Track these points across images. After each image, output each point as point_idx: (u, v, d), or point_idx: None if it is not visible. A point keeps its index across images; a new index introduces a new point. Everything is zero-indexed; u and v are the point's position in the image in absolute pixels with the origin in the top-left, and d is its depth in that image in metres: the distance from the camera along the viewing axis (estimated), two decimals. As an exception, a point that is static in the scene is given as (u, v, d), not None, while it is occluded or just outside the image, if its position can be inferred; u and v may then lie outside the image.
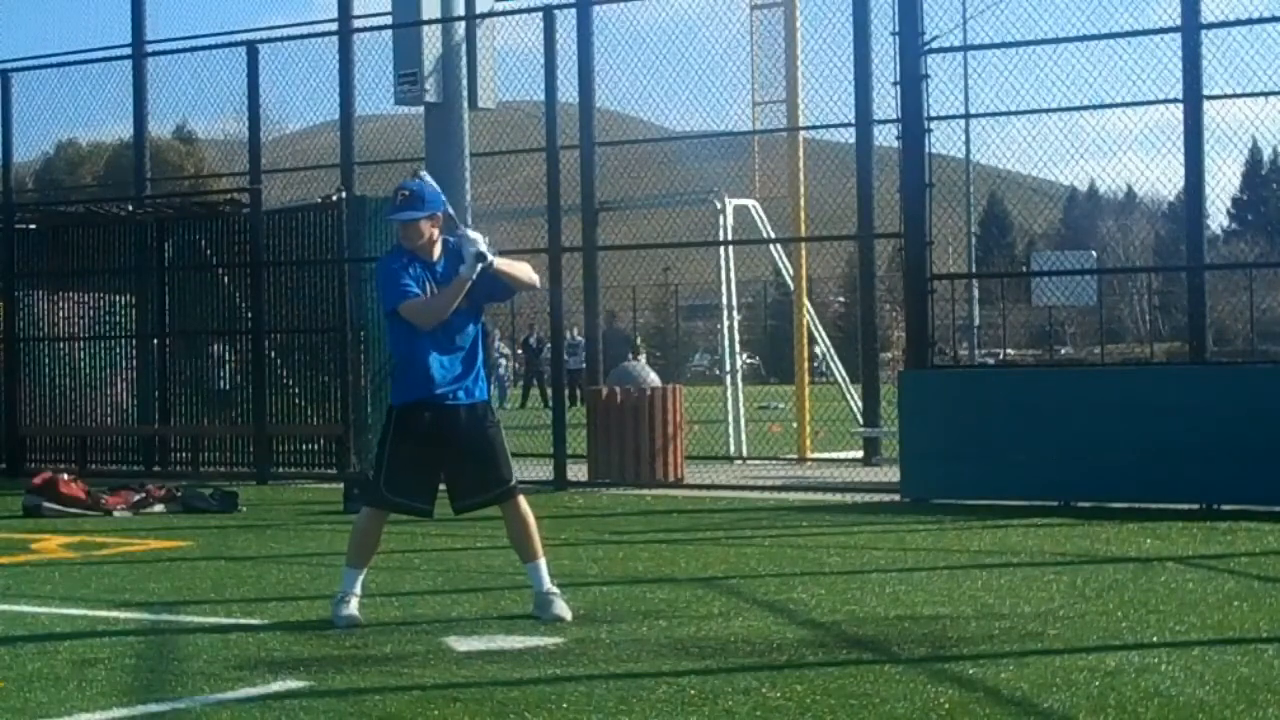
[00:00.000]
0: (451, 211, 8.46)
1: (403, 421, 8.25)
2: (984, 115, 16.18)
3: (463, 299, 8.17)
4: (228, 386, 18.88)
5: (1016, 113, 15.70)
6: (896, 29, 14.82)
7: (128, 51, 20.35)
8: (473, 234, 8.25)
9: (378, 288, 8.42)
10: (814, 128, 19.83)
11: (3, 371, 19.88)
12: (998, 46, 15.02)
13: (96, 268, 19.82)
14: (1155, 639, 7.44)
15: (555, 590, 8.26)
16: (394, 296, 8.17)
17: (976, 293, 24.16)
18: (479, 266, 8.11)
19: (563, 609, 8.14)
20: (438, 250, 8.27)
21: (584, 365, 18.87)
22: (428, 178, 8.43)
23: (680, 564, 10.39)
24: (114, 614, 8.75)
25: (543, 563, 8.29)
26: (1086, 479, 13.34)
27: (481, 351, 8.48)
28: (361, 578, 8.29)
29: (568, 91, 16.84)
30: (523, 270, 8.50)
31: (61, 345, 20.00)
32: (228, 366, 19.00)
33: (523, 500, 8.37)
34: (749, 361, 42.73)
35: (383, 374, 17.93)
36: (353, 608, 8.17)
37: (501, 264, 8.26)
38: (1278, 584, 9.49)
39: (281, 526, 13.32)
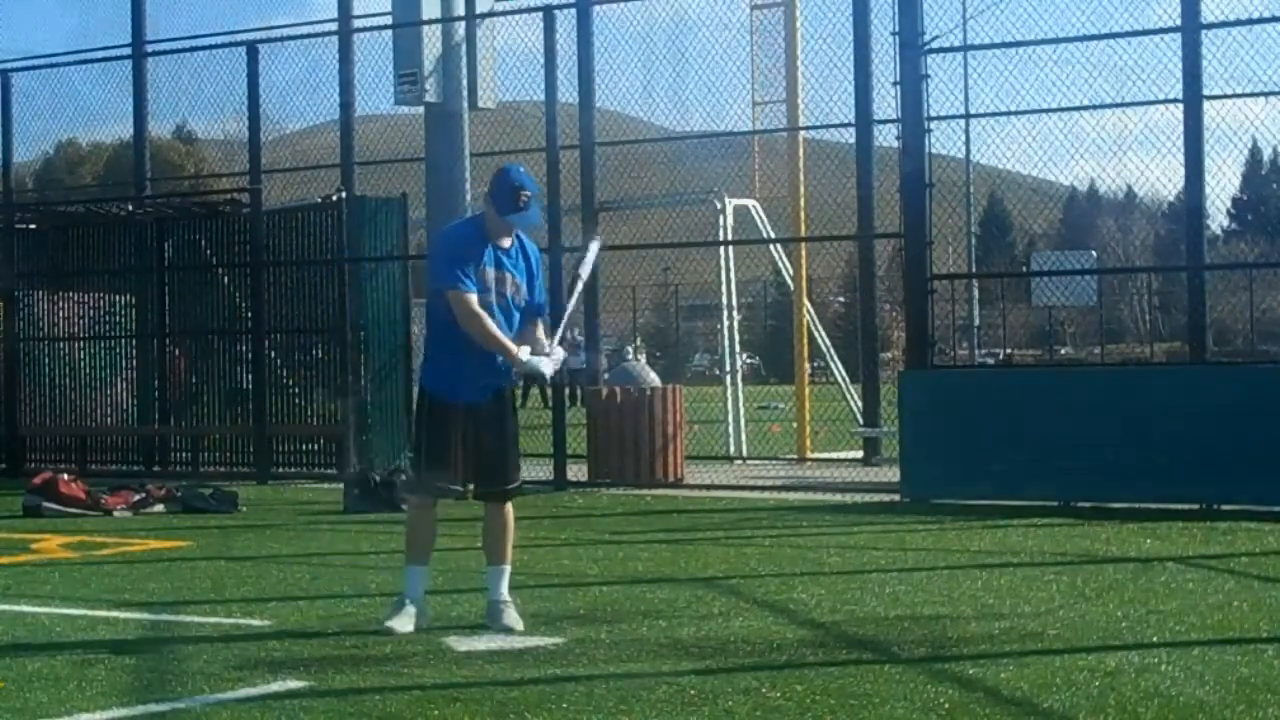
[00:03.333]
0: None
1: (436, 407, 8.05)
2: (984, 115, 16.24)
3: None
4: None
5: (1016, 113, 15.75)
6: (896, 29, 14.84)
7: (128, 51, 20.35)
8: (555, 353, 8.04)
9: (434, 257, 8.01)
10: (814, 128, 19.85)
11: (3, 371, 19.88)
12: (998, 46, 15.05)
13: (96, 268, 19.83)
14: (1155, 639, 7.44)
15: (509, 599, 8.05)
16: (449, 277, 7.81)
17: (976, 293, 24.14)
18: (524, 371, 8.04)
19: (514, 619, 7.92)
20: (509, 240, 8.02)
21: (584, 365, 18.81)
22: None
23: (680, 564, 10.38)
24: (114, 614, 8.74)
25: (507, 570, 8.12)
26: (1086, 479, 13.34)
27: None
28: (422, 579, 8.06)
29: (568, 91, 16.86)
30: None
31: (61, 345, 20.00)
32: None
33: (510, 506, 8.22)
34: (749, 361, 42.73)
35: (383, 374, 17.93)
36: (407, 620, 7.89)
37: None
38: (1278, 584, 9.49)
39: (281, 526, 13.32)
